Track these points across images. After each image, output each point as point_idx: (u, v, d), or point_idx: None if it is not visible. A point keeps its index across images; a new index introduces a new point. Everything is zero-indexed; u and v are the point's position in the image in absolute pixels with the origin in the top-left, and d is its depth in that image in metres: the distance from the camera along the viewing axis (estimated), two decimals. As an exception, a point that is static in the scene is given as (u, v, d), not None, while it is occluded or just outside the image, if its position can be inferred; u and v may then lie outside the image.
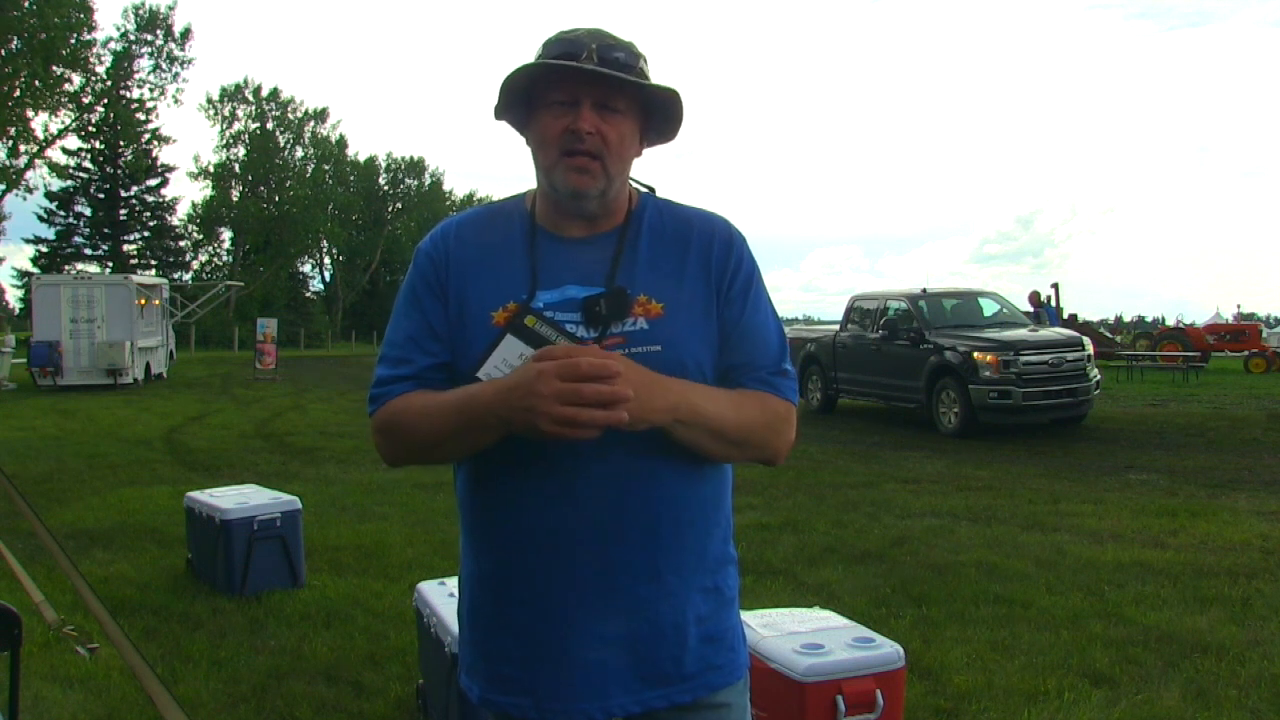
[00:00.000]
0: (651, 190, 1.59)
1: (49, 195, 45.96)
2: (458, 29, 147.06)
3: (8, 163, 34.34)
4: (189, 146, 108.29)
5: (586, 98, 1.43)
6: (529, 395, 1.29)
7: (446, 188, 68.98)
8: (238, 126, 54.15)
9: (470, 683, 1.56)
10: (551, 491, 1.44)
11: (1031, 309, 18.92)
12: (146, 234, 51.04)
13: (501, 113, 1.52)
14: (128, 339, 20.70)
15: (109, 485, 8.54)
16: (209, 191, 52.93)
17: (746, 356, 1.49)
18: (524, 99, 1.49)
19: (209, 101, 53.93)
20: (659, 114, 1.52)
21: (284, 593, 5.16)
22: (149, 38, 39.64)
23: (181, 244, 53.13)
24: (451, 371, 1.49)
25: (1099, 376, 12.70)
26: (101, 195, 49.28)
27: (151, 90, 40.98)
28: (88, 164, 48.68)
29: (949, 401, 12.08)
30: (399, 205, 66.15)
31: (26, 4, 30.81)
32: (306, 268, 61.38)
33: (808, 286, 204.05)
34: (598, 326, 1.43)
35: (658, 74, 1.50)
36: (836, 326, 14.85)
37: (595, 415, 1.28)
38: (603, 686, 1.46)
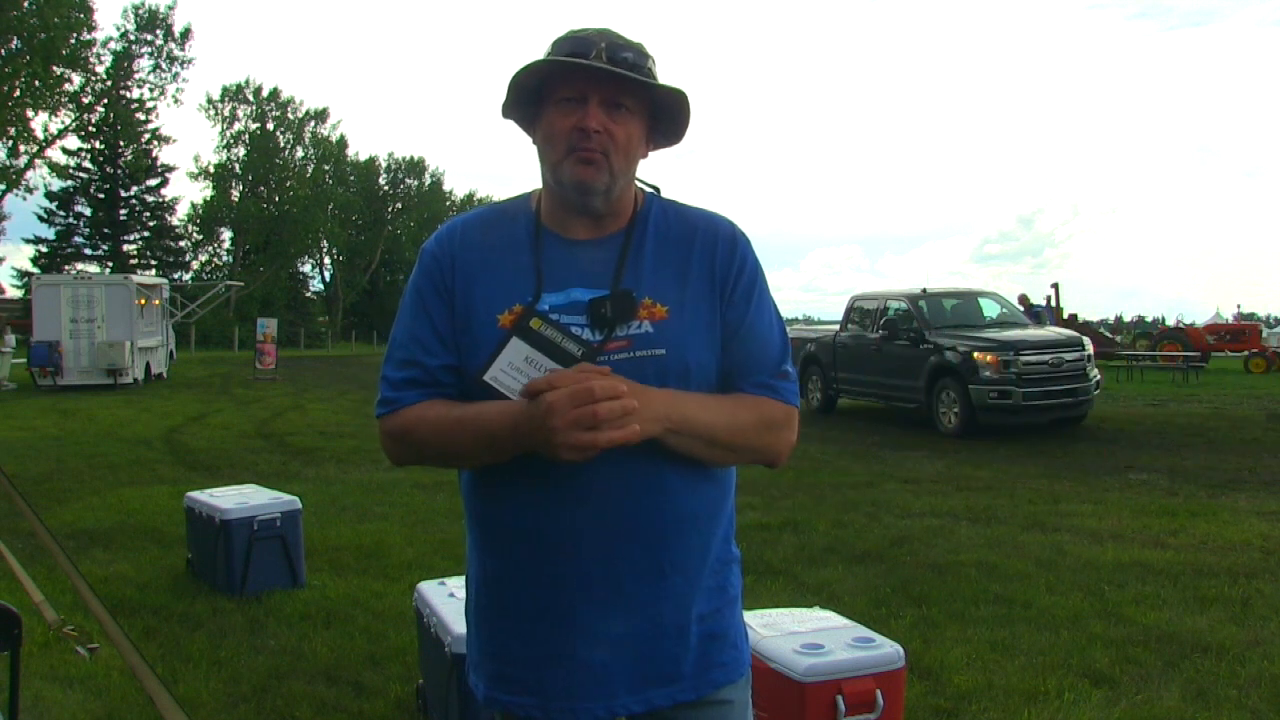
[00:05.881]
0: (656, 190, 1.58)
1: (49, 195, 46.11)
2: (458, 29, 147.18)
3: (8, 163, 34.38)
4: (189, 146, 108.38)
5: (595, 95, 1.43)
6: (543, 430, 1.31)
7: (446, 188, 69.14)
8: (238, 126, 54.27)
9: (476, 680, 1.57)
10: (557, 492, 1.44)
11: (1021, 310, 18.88)
12: (146, 234, 51.06)
13: (509, 110, 1.52)
14: (128, 339, 20.67)
15: (109, 485, 8.53)
16: (209, 191, 53.02)
17: (747, 359, 1.49)
18: (532, 97, 1.49)
19: (209, 101, 54.11)
20: (666, 115, 1.52)
21: (284, 593, 5.16)
22: (149, 38, 39.69)
23: (181, 244, 53.19)
24: (458, 373, 1.48)
25: (1099, 376, 12.69)
26: (101, 195, 49.28)
27: (151, 90, 41.10)
28: (88, 164, 48.71)
29: (949, 401, 12.08)
30: (399, 205, 66.17)
31: (26, 4, 30.80)
32: (306, 268, 61.49)
33: (808, 286, 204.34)
34: (603, 329, 1.43)
35: (663, 74, 1.51)
36: (836, 326, 14.86)
37: (613, 436, 1.30)
38: (608, 686, 1.46)
